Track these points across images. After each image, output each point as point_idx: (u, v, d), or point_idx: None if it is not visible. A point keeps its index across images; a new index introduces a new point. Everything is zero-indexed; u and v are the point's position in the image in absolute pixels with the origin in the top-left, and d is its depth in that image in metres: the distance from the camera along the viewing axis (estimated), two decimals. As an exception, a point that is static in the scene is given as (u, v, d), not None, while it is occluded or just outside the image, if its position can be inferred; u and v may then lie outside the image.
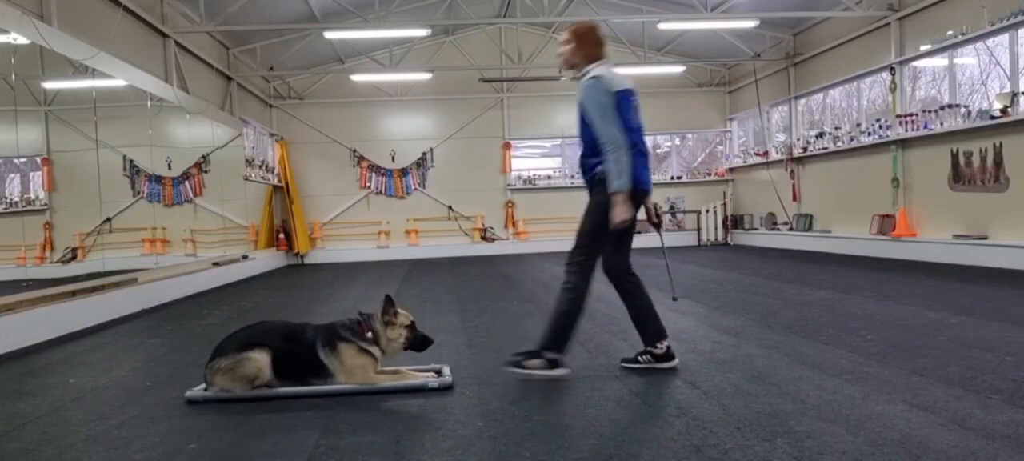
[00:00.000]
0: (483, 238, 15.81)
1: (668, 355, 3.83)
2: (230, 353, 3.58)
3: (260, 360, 3.54)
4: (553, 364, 3.69)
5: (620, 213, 3.61)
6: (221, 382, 3.55)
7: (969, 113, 9.59)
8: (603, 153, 3.63)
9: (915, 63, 11.15)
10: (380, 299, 3.76)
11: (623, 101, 3.71)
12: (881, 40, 11.31)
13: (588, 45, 3.84)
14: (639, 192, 3.73)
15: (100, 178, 7.64)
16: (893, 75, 11.06)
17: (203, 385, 3.68)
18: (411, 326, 3.76)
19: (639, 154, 3.73)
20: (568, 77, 4.01)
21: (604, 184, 3.67)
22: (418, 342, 3.77)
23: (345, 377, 3.60)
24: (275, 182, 14.99)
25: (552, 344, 3.70)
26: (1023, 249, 8.32)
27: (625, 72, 14.62)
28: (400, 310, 3.76)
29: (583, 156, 3.84)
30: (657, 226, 4.08)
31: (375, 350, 3.66)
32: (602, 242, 3.77)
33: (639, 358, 3.86)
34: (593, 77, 3.70)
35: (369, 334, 3.66)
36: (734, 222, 16.15)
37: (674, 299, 3.93)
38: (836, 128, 13.04)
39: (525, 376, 3.68)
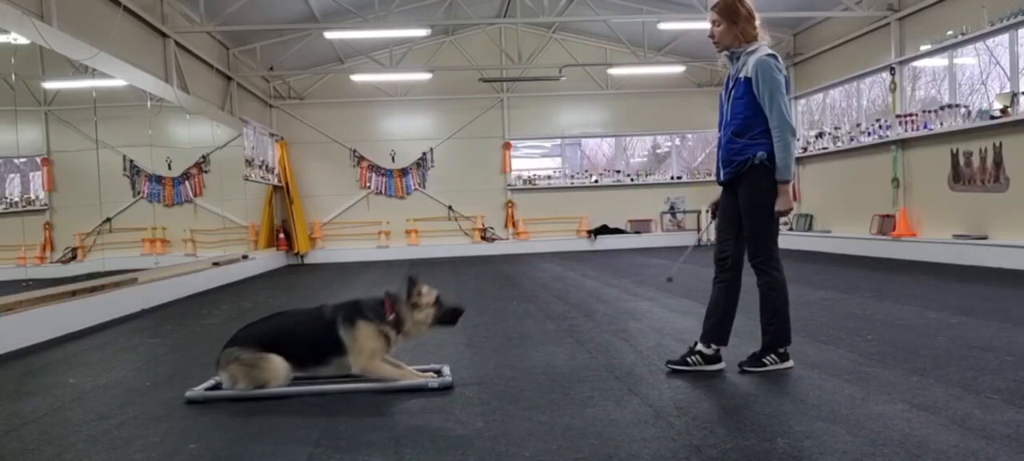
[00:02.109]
0: (483, 238, 15.81)
1: (716, 358, 3.79)
2: (252, 348, 3.56)
3: (277, 369, 3.53)
4: (785, 356, 3.75)
5: (785, 203, 3.59)
6: (233, 372, 3.54)
7: (969, 113, 9.59)
8: (774, 136, 3.56)
9: (915, 63, 11.15)
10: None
11: (787, 87, 3.68)
12: (881, 40, 11.31)
13: (742, 22, 3.68)
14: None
15: (100, 178, 7.64)
16: (893, 75, 11.06)
17: (210, 381, 3.69)
18: (436, 302, 3.69)
19: None
20: (720, 60, 3.90)
21: (763, 170, 3.60)
22: (447, 316, 3.71)
23: (353, 357, 3.57)
24: (275, 182, 14.99)
25: (782, 340, 3.73)
26: (1023, 249, 8.31)
27: (624, 72, 14.47)
28: (423, 288, 3.70)
29: (734, 134, 3.69)
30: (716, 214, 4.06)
31: (393, 333, 3.62)
32: (776, 228, 3.75)
33: (688, 359, 3.79)
34: (771, 54, 3.61)
35: (392, 316, 3.62)
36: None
37: (669, 279, 3.90)
38: (836, 128, 13.05)
39: (762, 372, 3.68)
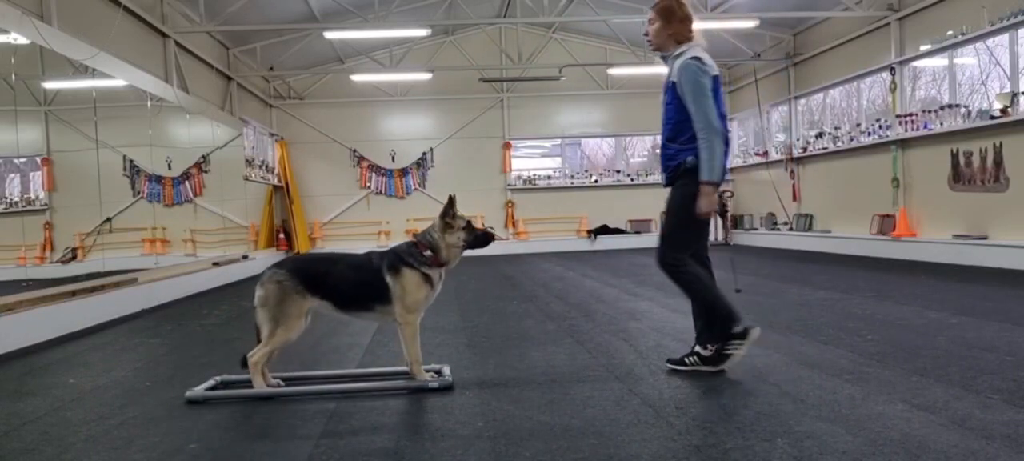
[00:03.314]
0: (483, 238, 15.80)
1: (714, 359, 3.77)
2: (298, 281, 3.55)
3: (295, 324, 3.54)
4: (742, 335, 3.64)
5: (707, 204, 3.58)
6: (268, 291, 3.54)
7: (969, 113, 9.59)
8: (697, 138, 3.57)
9: (915, 63, 11.15)
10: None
11: (717, 87, 3.67)
12: (881, 40, 11.31)
13: (676, 23, 3.71)
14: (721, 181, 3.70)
15: (100, 178, 7.64)
16: (893, 75, 11.06)
17: (210, 381, 3.69)
18: (468, 226, 3.78)
19: (725, 142, 3.68)
20: (657, 57, 3.94)
21: (691, 174, 3.60)
22: (478, 240, 3.79)
23: (398, 304, 3.60)
24: (275, 182, 14.99)
25: (729, 323, 3.65)
26: (1023, 249, 8.31)
27: (624, 72, 14.44)
28: (457, 210, 3.78)
29: (667, 140, 3.72)
30: (723, 214, 4.08)
31: (435, 273, 3.67)
32: (692, 235, 3.76)
33: (686, 359, 3.79)
34: (694, 57, 3.62)
35: (428, 252, 3.67)
36: (734, 222, 16.15)
37: (738, 291, 3.83)
38: (836, 128, 13.04)
39: (734, 363, 3.65)
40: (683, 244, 3.74)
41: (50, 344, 5.51)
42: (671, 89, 3.68)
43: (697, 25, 3.82)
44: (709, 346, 3.77)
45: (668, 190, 3.85)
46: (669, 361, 3.89)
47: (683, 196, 3.65)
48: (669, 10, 3.72)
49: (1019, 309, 5.38)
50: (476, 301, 7.18)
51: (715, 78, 3.66)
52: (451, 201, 3.74)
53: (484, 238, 3.83)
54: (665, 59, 3.81)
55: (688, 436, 2.75)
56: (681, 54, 3.68)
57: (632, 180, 16.59)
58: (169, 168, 9.71)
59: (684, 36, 3.72)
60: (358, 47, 14.88)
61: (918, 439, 2.59)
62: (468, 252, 3.87)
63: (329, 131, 15.81)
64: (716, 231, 15.74)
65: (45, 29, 6.64)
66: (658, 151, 4.00)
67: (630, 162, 18.17)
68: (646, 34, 3.85)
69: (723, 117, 3.69)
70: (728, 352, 3.66)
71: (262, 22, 12.09)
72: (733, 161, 16.48)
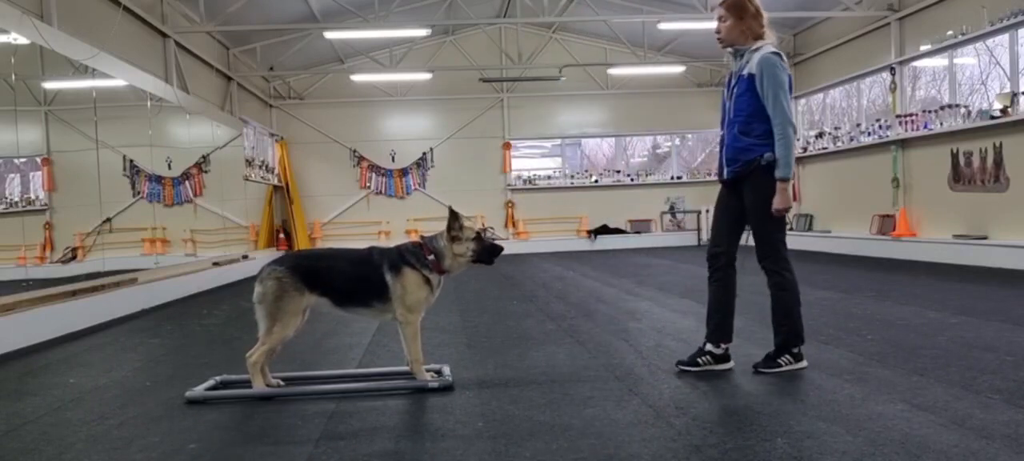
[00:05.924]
0: (483, 238, 15.79)
1: (726, 357, 3.79)
2: (297, 278, 3.54)
3: (292, 321, 3.54)
4: (798, 357, 3.72)
5: (784, 201, 3.56)
6: (268, 288, 3.53)
7: (969, 113, 9.59)
8: (775, 134, 3.55)
9: (915, 63, 11.16)
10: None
11: (790, 86, 3.66)
12: (881, 40, 11.31)
13: (750, 19, 3.69)
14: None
15: (100, 178, 7.64)
16: (893, 75, 11.06)
17: (210, 381, 3.69)
18: (477, 237, 3.72)
19: None
20: (725, 57, 3.91)
21: (768, 170, 3.59)
22: (486, 253, 3.73)
23: (398, 304, 3.59)
24: (275, 182, 14.98)
25: (795, 338, 3.71)
26: (1023, 249, 8.31)
27: (624, 72, 14.42)
28: (465, 222, 3.73)
29: (739, 133, 3.67)
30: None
31: (434, 278, 3.65)
32: (782, 230, 3.73)
33: (698, 360, 3.79)
34: (774, 52, 3.60)
35: (431, 257, 3.64)
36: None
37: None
38: (836, 128, 13.05)
39: (778, 373, 3.66)
40: (781, 240, 3.73)
41: (50, 344, 5.51)
42: (747, 80, 3.64)
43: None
44: (722, 345, 3.78)
45: (722, 185, 3.84)
46: (679, 363, 3.87)
47: (768, 193, 3.61)
48: (741, 6, 3.69)
49: (1019, 309, 5.38)
50: (476, 301, 7.18)
51: (789, 76, 3.66)
52: (454, 214, 3.68)
53: (492, 252, 3.75)
54: (737, 54, 3.75)
55: (688, 436, 2.75)
56: (759, 48, 3.65)
57: (632, 180, 16.58)
58: (169, 168, 9.71)
59: (757, 31, 3.70)
60: (358, 47, 14.88)
61: (918, 439, 2.60)
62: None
63: (329, 131, 15.81)
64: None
65: (45, 29, 6.64)
66: (718, 146, 3.88)
67: (630, 162, 18.20)
68: (717, 31, 3.79)
69: None
70: (780, 362, 3.71)
71: (262, 22, 12.09)
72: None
